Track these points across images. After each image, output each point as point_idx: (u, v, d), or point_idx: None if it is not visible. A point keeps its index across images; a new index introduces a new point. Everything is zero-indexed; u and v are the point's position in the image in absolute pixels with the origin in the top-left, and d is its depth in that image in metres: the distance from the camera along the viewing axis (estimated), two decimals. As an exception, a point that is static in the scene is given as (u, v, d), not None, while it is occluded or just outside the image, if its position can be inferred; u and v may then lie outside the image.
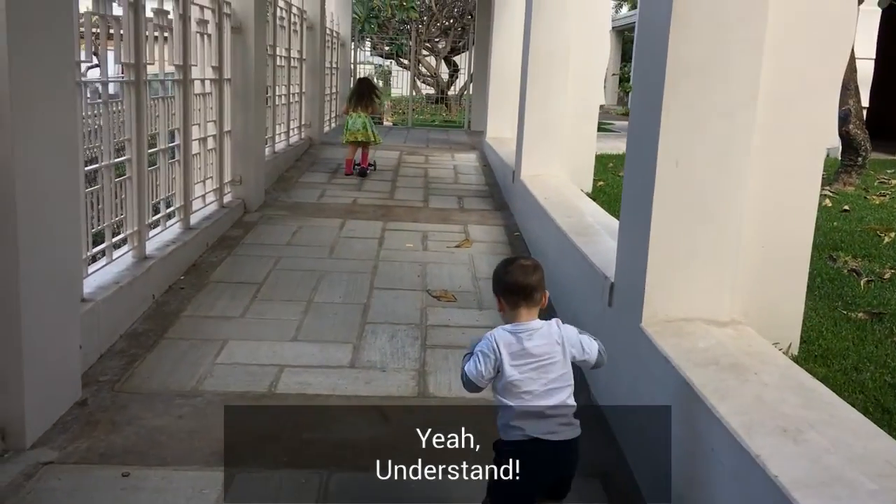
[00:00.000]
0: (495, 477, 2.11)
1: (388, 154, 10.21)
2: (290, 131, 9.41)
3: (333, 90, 13.48)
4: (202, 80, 5.71)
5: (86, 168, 3.87)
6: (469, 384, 2.24)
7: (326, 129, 12.43)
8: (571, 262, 4.12)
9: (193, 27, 5.44)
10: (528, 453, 2.12)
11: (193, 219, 5.50)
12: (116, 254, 4.21)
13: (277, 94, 8.52)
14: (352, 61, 14.79)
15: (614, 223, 4.78)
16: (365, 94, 8.85)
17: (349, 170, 8.66)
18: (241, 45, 6.41)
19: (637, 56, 3.72)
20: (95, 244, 4.07)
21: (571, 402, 2.18)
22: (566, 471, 2.20)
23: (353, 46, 14.77)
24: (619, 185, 8.22)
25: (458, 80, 21.29)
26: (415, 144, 11.58)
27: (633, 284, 2.92)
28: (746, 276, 2.95)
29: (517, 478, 2.11)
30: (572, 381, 2.20)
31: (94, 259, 4.00)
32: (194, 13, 5.42)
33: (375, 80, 37.26)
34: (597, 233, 4.34)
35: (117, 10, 4.16)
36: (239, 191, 6.59)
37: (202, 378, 3.42)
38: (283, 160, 8.60)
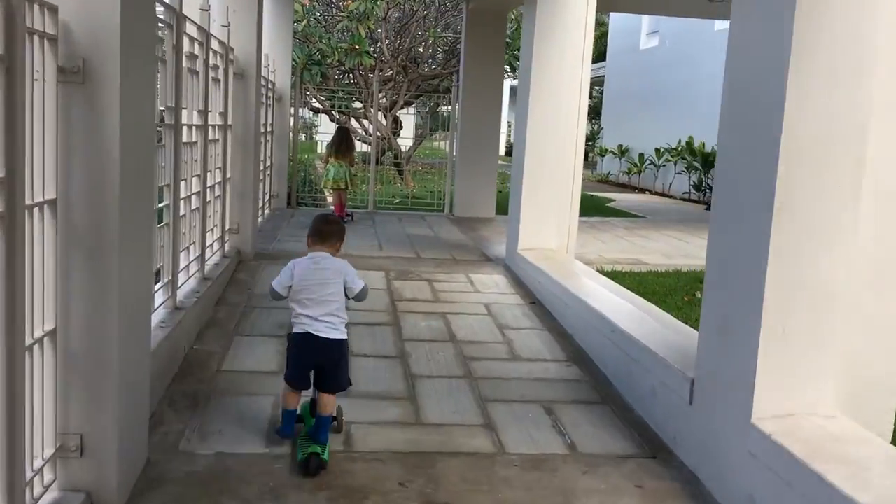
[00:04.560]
0: (287, 353, 3.33)
1: (370, 278, 6.33)
2: (206, 253, 5.43)
3: (268, 163, 9.54)
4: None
5: None
6: (274, 294, 3.25)
7: (261, 220, 8.47)
8: None
9: None
10: (303, 342, 3.17)
11: None
12: None
13: (182, 194, 4.56)
14: (291, 120, 10.88)
15: None
16: (346, 144, 9.54)
17: (340, 212, 9.31)
18: (86, 114, 2.49)
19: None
20: None
21: (339, 313, 3.19)
22: (328, 360, 3.20)
23: (292, 101, 10.88)
24: None
25: (399, 139, 17.71)
26: (398, 253, 7.69)
27: None
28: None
29: (297, 357, 3.22)
30: (341, 300, 3.21)
31: None
32: None
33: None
34: None
35: None
36: (76, 470, 2.61)
37: None
38: (192, 321, 4.58)
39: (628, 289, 6.24)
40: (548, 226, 6.86)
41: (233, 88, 6.32)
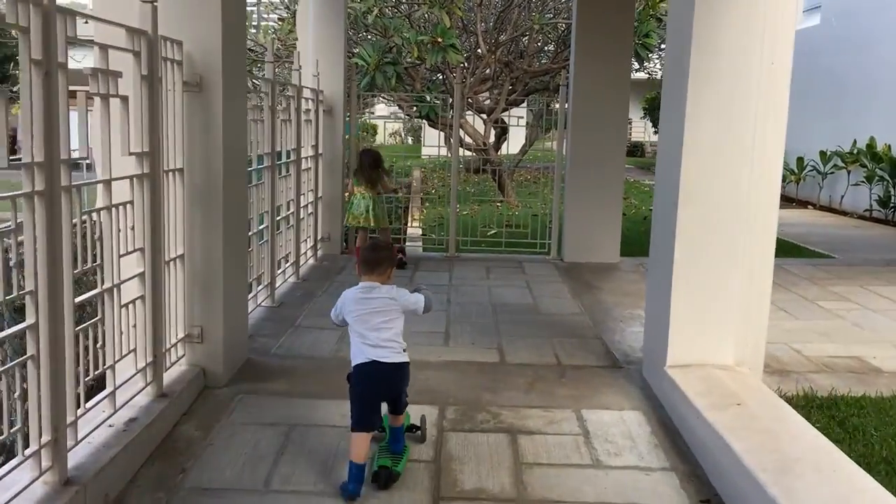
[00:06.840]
0: (350, 395, 3.07)
1: (411, 419, 3.67)
2: (71, 430, 2.90)
3: (309, 199, 7.07)
4: None
5: None
6: (335, 323, 3.21)
7: (291, 282, 5.99)
8: None
9: None
10: (369, 371, 3.03)
11: None
12: None
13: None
14: (346, 134, 8.32)
15: None
16: (370, 169, 7.10)
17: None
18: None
19: None
20: None
21: (397, 338, 3.09)
22: (396, 384, 3.13)
23: (347, 112, 8.32)
24: None
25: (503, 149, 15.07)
26: (471, 352, 4.93)
27: None
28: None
29: (364, 389, 3.03)
30: (397, 326, 3.11)
31: None
32: None
33: (402, 137, 31.20)
34: None
35: None
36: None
37: None
38: None
39: (890, 465, 3.35)
40: (719, 326, 3.99)
41: (184, 107, 3.81)
